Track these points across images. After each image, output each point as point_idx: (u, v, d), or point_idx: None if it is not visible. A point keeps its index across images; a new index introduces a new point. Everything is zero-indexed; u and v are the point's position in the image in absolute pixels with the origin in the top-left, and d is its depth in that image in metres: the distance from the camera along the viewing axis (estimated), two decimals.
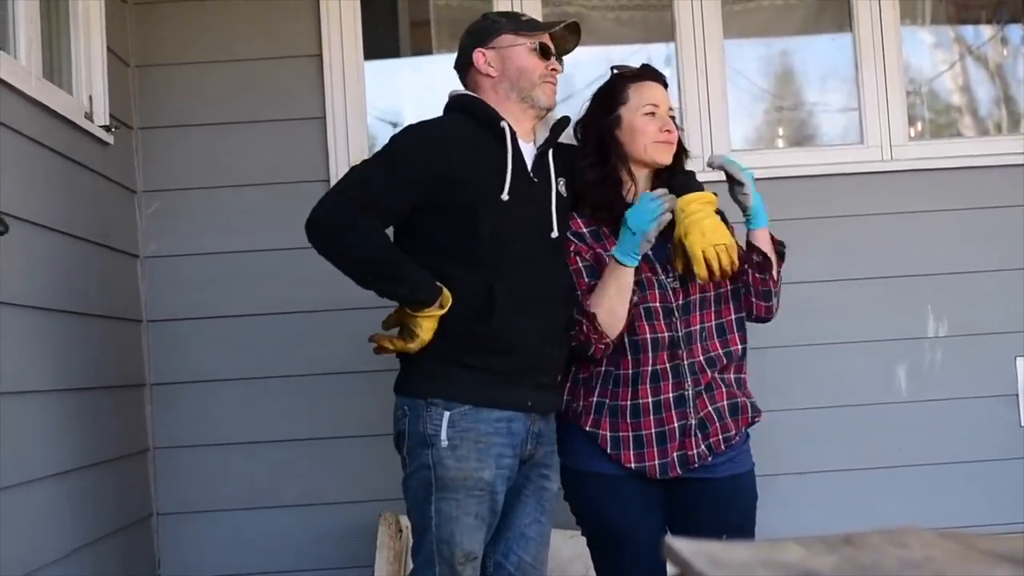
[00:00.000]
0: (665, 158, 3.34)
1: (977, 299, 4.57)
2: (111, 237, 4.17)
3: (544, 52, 3.29)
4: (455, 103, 3.33)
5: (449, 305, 3.12)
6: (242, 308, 4.48)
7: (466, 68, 3.33)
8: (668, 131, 3.34)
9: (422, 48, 5.22)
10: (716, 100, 4.59)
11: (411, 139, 3.24)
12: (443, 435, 3.13)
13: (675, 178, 3.30)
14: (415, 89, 5.12)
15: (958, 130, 5.16)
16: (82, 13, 4.03)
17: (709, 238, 3.16)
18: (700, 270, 3.17)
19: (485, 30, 3.32)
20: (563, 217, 3.30)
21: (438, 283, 3.12)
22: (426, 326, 3.12)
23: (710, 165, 3.38)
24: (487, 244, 3.16)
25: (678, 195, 3.22)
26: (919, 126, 4.96)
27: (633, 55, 4.85)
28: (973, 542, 1.70)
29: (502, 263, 3.17)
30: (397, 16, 5.20)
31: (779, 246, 3.41)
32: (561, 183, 3.33)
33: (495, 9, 4.55)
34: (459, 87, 3.38)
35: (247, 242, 4.50)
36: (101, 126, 4.09)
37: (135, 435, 4.34)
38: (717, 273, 3.19)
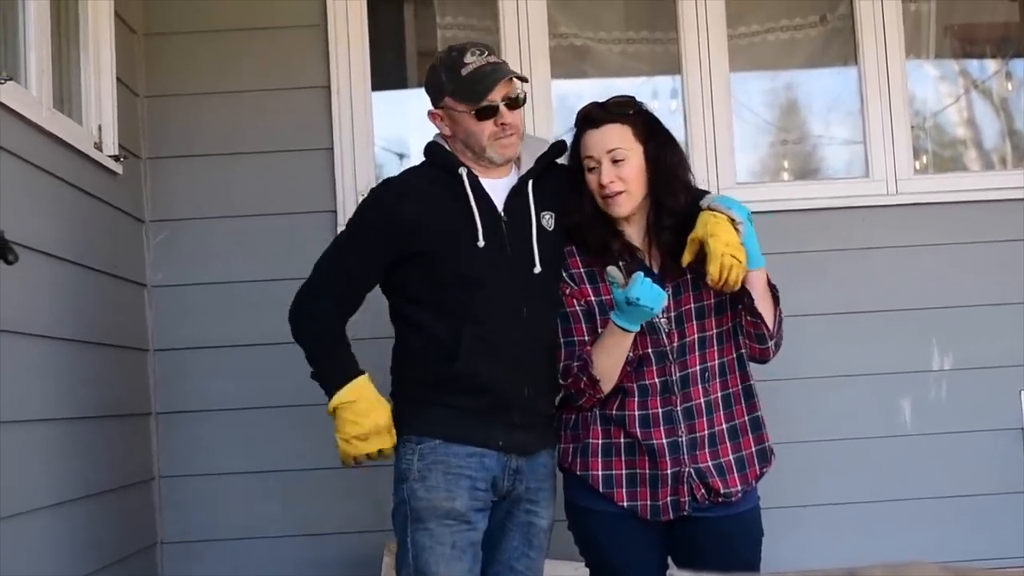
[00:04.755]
0: (617, 211, 3.22)
1: (982, 333, 4.57)
2: (119, 266, 4.18)
3: (487, 112, 3.19)
4: (425, 150, 3.36)
5: (336, 405, 3.19)
6: (248, 338, 4.49)
7: None
8: (602, 185, 3.18)
9: None
10: (722, 132, 4.61)
11: (364, 206, 3.33)
12: (414, 468, 3.19)
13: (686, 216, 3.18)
14: (422, 120, 5.11)
15: (963, 164, 5.17)
16: (92, 43, 4.05)
17: (731, 248, 3.08)
18: (714, 270, 3.06)
19: (435, 87, 3.27)
20: (548, 252, 3.24)
21: (350, 385, 3.19)
22: (339, 421, 3.21)
23: (701, 207, 3.16)
24: (455, 290, 3.19)
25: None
26: (924, 159, 4.97)
27: (639, 88, 4.88)
28: None
29: (472, 309, 3.18)
30: (404, 47, 5.22)
31: (773, 290, 3.24)
32: (546, 217, 3.28)
33: (502, 31, 4.58)
34: None
35: (254, 272, 4.51)
36: (110, 156, 4.11)
37: (140, 464, 4.34)
38: (725, 283, 3.08)
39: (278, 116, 4.57)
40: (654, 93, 4.93)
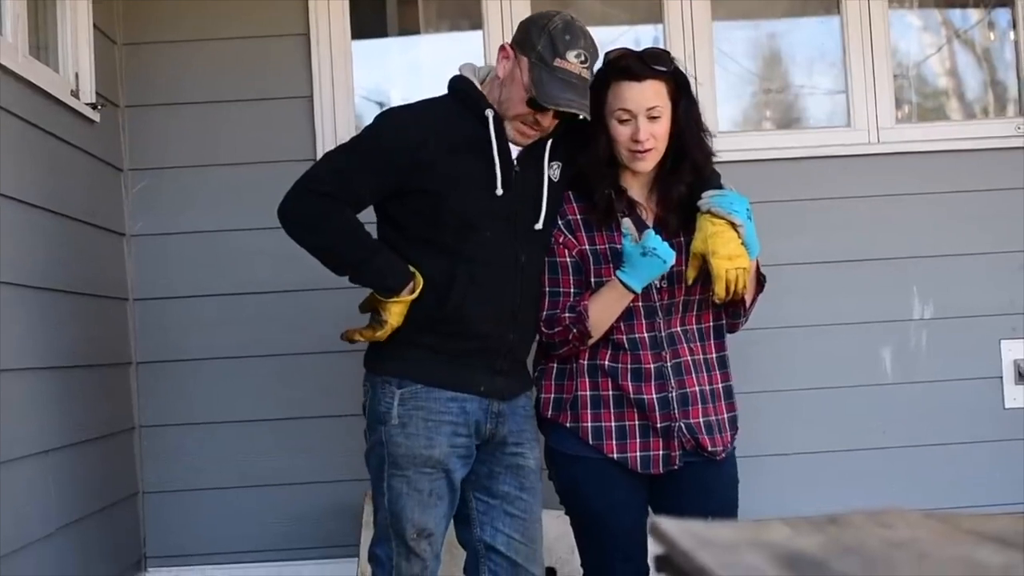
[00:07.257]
0: (642, 167, 3.22)
1: (962, 282, 4.58)
2: (97, 215, 4.16)
3: (533, 104, 3.12)
4: (450, 84, 3.29)
5: (419, 291, 3.12)
6: (228, 287, 4.48)
7: None
8: (636, 140, 3.17)
9: (410, 27, 5.20)
10: (704, 82, 4.58)
11: (385, 125, 3.23)
12: (394, 413, 3.17)
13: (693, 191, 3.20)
14: (402, 68, 5.10)
15: (945, 113, 5.16)
16: None
17: (734, 261, 3.11)
18: (720, 290, 3.12)
19: (528, 41, 3.16)
20: (552, 206, 3.24)
21: (411, 269, 3.12)
22: (394, 311, 3.13)
23: (698, 208, 3.17)
24: (454, 232, 3.16)
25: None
26: (906, 109, 4.95)
27: (620, 37, 4.84)
28: (957, 522, 1.71)
29: (469, 251, 3.16)
30: None
31: (762, 278, 3.31)
32: (554, 167, 3.26)
33: None
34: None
35: (233, 221, 4.49)
36: (87, 104, 4.07)
37: (121, 413, 4.34)
38: (731, 295, 3.14)
39: (257, 64, 4.54)
40: (636, 42, 4.89)
